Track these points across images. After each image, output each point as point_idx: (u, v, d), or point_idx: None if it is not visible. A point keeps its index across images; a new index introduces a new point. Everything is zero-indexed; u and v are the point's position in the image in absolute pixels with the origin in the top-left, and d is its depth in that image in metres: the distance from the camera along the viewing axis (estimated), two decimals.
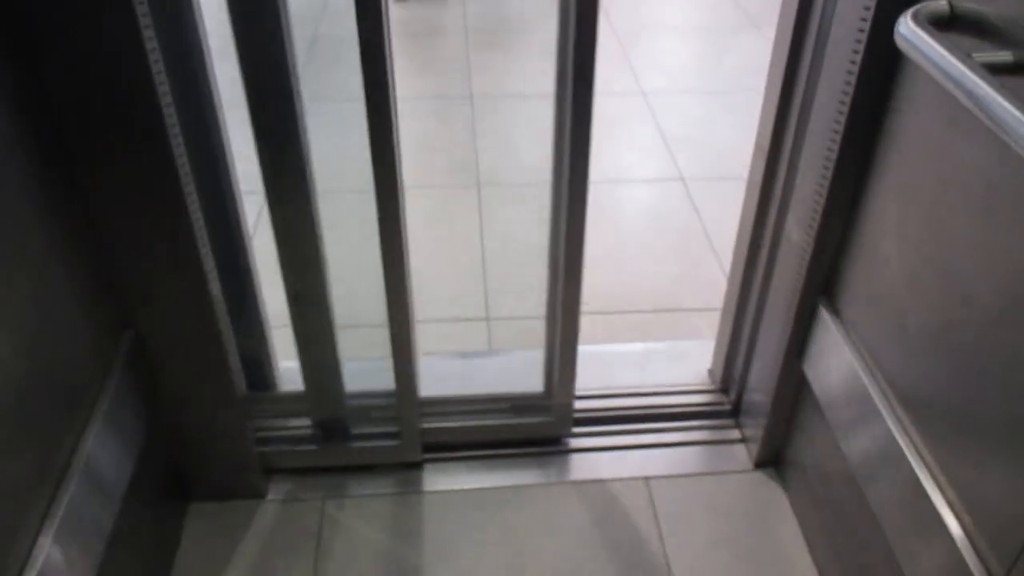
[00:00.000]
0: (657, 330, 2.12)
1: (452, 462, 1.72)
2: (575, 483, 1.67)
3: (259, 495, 1.63)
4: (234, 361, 1.44)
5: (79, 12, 1.03)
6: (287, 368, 1.74)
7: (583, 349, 2.01)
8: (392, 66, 1.24)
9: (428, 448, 1.71)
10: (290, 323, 1.53)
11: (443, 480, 1.68)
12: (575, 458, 1.71)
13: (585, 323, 2.14)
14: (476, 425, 1.72)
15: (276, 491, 1.64)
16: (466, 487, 1.66)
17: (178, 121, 1.18)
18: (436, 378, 1.74)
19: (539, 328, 2.12)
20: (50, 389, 1.11)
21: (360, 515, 1.60)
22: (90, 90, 1.09)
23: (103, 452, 1.21)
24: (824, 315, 1.39)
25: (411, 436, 1.66)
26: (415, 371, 1.59)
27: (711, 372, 1.85)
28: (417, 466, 1.70)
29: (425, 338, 2.06)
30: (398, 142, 1.31)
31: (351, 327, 1.75)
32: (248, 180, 2.73)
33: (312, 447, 1.67)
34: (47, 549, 1.04)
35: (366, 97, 1.24)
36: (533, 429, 1.73)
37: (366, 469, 1.69)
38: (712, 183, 2.69)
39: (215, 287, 1.34)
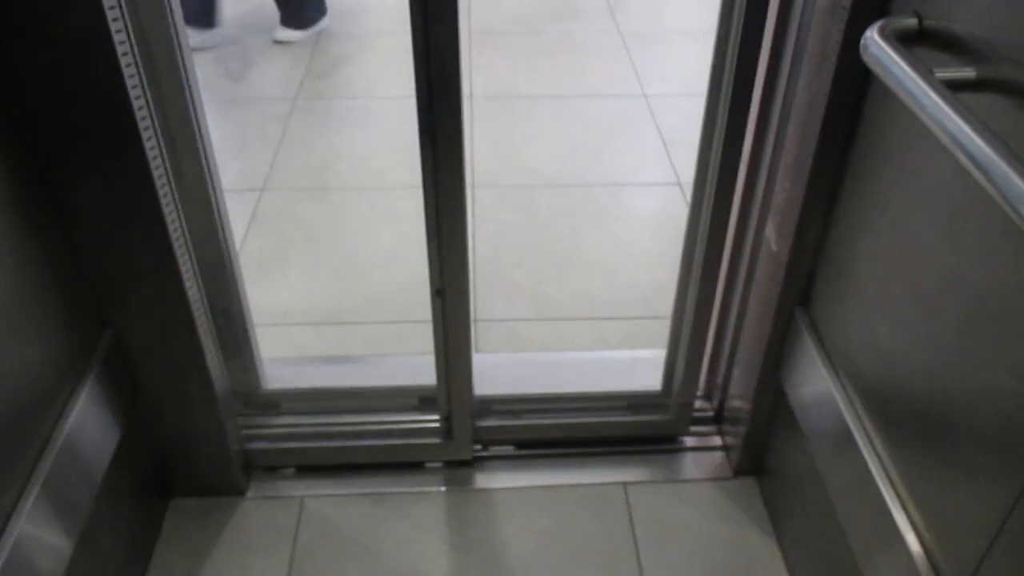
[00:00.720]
0: (648, 337, 2.11)
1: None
2: (546, 488, 1.67)
3: (239, 492, 1.64)
4: (212, 360, 1.46)
5: (46, 9, 1.04)
6: (272, 366, 1.76)
7: (570, 355, 2.02)
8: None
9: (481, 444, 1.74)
10: (431, 318, 1.55)
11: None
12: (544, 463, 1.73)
13: (575, 329, 2.15)
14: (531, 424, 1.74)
15: (256, 489, 1.65)
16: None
17: (153, 119, 1.19)
18: (493, 376, 1.76)
19: (526, 331, 2.14)
20: (28, 383, 1.13)
21: (352, 515, 1.61)
22: (61, 88, 1.10)
23: (79, 444, 1.23)
24: (800, 326, 1.39)
25: (463, 434, 1.68)
26: (470, 366, 1.61)
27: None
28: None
29: (408, 339, 2.07)
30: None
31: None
32: (246, 178, 2.74)
33: (308, 445, 1.68)
34: (20, 528, 1.06)
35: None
36: (649, 427, 1.75)
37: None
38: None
39: (192, 286, 1.36)
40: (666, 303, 2.20)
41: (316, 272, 2.29)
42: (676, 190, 2.68)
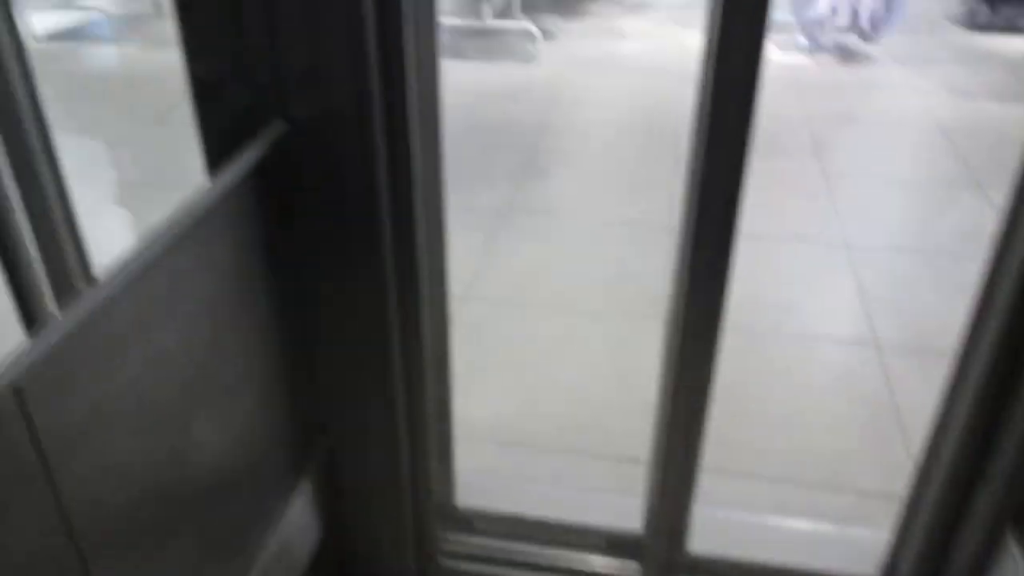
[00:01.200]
0: (826, 508, 2.03)
1: None
2: None
3: None
4: (406, 476, 1.53)
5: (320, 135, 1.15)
6: (466, 483, 1.76)
7: (776, 520, 1.86)
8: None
9: None
10: (651, 458, 1.49)
11: None
12: None
13: (746, 486, 2.09)
14: None
15: None
16: None
17: (393, 234, 1.25)
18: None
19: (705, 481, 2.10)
20: (253, 481, 1.24)
21: None
22: (321, 209, 1.21)
23: (287, 549, 1.32)
24: (1011, 544, 1.31)
25: None
26: (688, 519, 1.55)
27: (881, 568, 1.75)
28: None
29: (580, 472, 2.09)
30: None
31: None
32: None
33: (495, 570, 1.68)
34: None
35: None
36: None
37: None
38: (910, 355, 2.56)
39: (401, 408, 1.44)
40: (849, 474, 2.12)
41: (508, 389, 2.37)
42: (870, 350, 2.59)
